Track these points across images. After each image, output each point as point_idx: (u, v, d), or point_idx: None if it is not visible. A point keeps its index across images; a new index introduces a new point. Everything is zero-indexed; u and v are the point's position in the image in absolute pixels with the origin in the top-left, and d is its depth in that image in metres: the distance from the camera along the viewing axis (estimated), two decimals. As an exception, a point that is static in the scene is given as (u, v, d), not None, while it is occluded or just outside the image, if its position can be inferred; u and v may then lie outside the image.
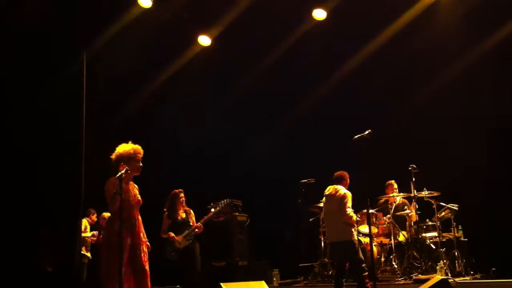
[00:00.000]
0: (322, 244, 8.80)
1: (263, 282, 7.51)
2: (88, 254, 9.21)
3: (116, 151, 5.57)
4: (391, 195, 8.70)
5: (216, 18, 9.61)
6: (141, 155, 5.60)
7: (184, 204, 7.75)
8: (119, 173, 5.31)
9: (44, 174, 7.89)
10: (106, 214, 9.32)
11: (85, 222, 9.13)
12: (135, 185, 5.69)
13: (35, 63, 8.12)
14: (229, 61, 10.50)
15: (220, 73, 10.85)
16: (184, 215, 7.68)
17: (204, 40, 9.95)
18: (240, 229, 9.51)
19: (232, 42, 10.08)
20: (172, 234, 7.48)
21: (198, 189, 8.45)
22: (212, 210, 8.37)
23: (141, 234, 5.53)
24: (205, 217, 7.88)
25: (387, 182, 8.92)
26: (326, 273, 8.55)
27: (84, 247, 9.08)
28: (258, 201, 10.00)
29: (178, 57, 10.29)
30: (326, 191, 7.34)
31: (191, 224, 7.64)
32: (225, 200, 8.26)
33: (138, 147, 5.62)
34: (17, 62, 8.03)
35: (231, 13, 9.35)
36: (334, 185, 7.26)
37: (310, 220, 9.24)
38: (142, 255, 5.43)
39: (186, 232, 7.54)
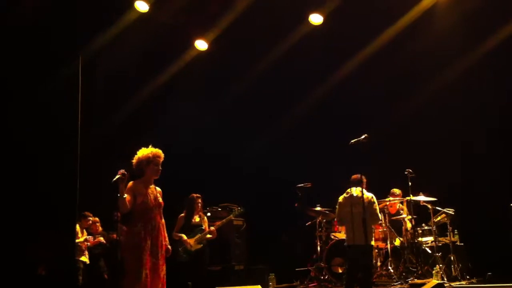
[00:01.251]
0: (318, 249, 8.80)
1: (259, 287, 7.56)
2: (84, 259, 9.13)
3: (136, 155, 5.72)
4: (397, 199, 8.68)
5: (213, 22, 9.61)
6: (160, 159, 5.73)
7: (200, 208, 8.11)
8: (116, 177, 5.38)
9: (39, 176, 7.85)
10: (95, 219, 9.34)
11: (76, 227, 9.05)
12: (158, 188, 5.81)
13: (27, 68, 8.09)
14: (226, 64, 10.49)
15: (217, 76, 10.83)
16: (198, 219, 8.01)
17: (201, 45, 9.93)
18: (237, 233, 9.51)
19: (228, 45, 10.07)
20: (185, 237, 7.77)
21: (195, 191, 8.45)
22: (209, 214, 8.54)
23: (162, 238, 5.63)
24: (218, 223, 8.19)
25: (392, 190, 8.89)
26: (322, 277, 8.54)
27: (77, 253, 8.99)
28: (255, 204, 9.97)
29: (174, 60, 10.27)
30: (350, 191, 7.24)
31: (203, 228, 7.96)
32: (239, 208, 8.48)
33: (157, 151, 5.75)
34: (10, 66, 8.00)
35: (228, 17, 9.35)
36: (358, 188, 7.19)
37: (307, 224, 9.24)
38: (160, 259, 5.54)
39: (199, 235, 7.85)
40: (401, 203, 8.75)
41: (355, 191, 7.17)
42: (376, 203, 7.13)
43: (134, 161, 5.73)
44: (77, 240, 8.92)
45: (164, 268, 5.59)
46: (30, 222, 7.68)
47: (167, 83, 10.38)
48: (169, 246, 5.75)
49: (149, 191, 5.68)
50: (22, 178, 7.68)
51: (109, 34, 9.06)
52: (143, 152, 5.73)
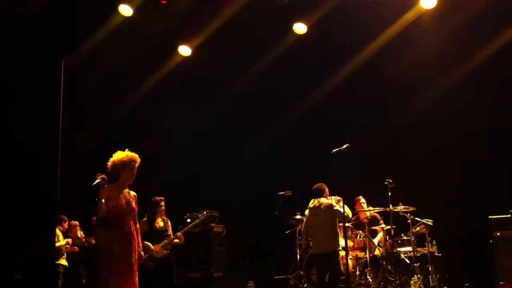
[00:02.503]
0: (298, 257, 8.81)
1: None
2: (64, 262, 9.06)
3: (111, 159, 5.66)
4: (366, 209, 8.76)
5: (198, 28, 9.60)
6: (136, 164, 5.67)
7: (163, 212, 7.72)
8: (96, 181, 5.34)
9: (18, 179, 7.76)
10: (75, 222, 9.25)
11: (56, 231, 8.99)
12: (132, 192, 5.73)
13: (8, 73, 8.01)
14: (216, 68, 10.48)
15: (208, 80, 10.82)
16: (162, 224, 7.64)
17: (185, 50, 9.91)
18: (217, 240, 9.46)
19: (214, 51, 10.07)
20: (151, 246, 7.37)
21: (176, 198, 8.43)
22: (189, 220, 8.33)
23: (135, 244, 5.55)
24: (184, 228, 7.85)
25: (356, 198, 9.01)
26: (301, 285, 8.55)
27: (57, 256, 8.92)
28: (235, 212, 9.97)
29: (159, 65, 10.25)
30: (310, 204, 7.44)
31: (169, 233, 7.61)
32: (205, 212, 8.26)
33: (133, 155, 5.68)
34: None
35: (213, 23, 9.36)
36: (316, 199, 7.33)
37: (287, 232, 9.25)
38: (133, 265, 5.48)
39: (165, 241, 7.50)
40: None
41: (312, 202, 7.37)
42: (340, 204, 7.21)
43: (109, 164, 5.67)
44: (57, 244, 8.85)
45: (137, 274, 5.52)
46: (8, 225, 7.59)
47: (157, 86, 10.35)
48: (142, 253, 5.69)
49: (122, 195, 5.60)
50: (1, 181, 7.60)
51: (93, 38, 9.03)
52: (118, 156, 5.66)
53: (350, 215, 7.45)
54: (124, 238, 5.46)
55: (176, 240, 7.57)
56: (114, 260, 5.31)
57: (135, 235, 5.60)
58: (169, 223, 7.75)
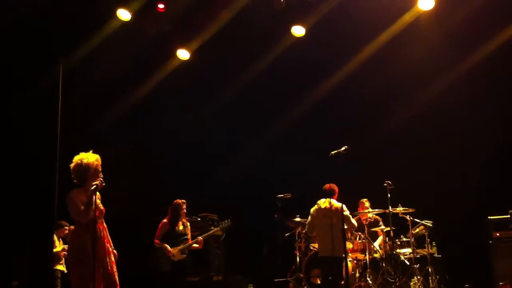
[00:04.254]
0: (297, 259, 8.80)
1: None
2: (61, 268, 9.05)
3: (78, 161, 5.33)
4: (366, 211, 8.76)
5: (196, 32, 9.62)
6: (100, 165, 5.41)
7: (184, 215, 7.86)
8: (94, 185, 5.25)
9: (16, 186, 7.78)
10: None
11: (53, 236, 8.98)
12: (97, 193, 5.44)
13: (9, 75, 8.03)
14: (213, 72, 10.50)
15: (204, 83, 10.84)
16: (182, 228, 7.75)
17: (183, 54, 9.92)
18: (216, 243, 9.45)
19: (212, 55, 10.08)
20: (169, 248, 7.52)
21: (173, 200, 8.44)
22: (213, 228, 8.38)
23: (108, 245, 5.38)
24: (205, 234, 7.97)
25: (360, 200, 9.00)
26: (301, 288, 8.55)
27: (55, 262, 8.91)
28: (233, 215, 9.97)
29: (157, 70, 10.26)
30: (321, 204, 7.33)
31: (187, 237, 7.72)
32: (227, 221, 8.31)
33: (98, 157, 5.43)
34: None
35: (211, 27, 9.37)
36: (327, 199, 7.25)
37: (286, 235, 9.24)
38: (110, 267, 5.30)
39: (183, 245, 7.62)
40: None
41: (324, 202, 7.28)
42: (347, 211, 7.19)
43: (74, 167, 5.35)
44: (54, 250, 8.85)
45: (116, 275, 5.32)
46: (6, 233, 7.61)
47: (155, 89, 10.36)
48: (115, 251, 5.46)
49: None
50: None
51: (92, 41, 9.05)
52: (88, 159, 5.35)
53: (356, 225, 7.43)
54: (97, 241, 5.21)
55: (196, 245, 7.71)
56: (90, 267, 5.05)
57: (106, 235, 5.39)
58: (189, 226, 7.87)
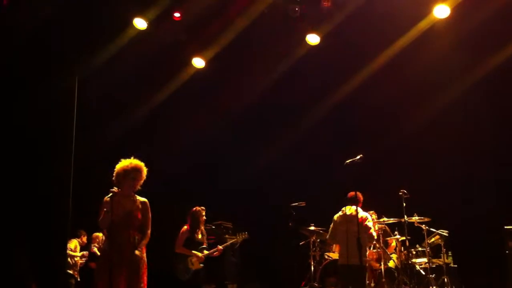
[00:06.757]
0: (312, 268, 8.76)
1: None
2: (75, 274, 9.10)
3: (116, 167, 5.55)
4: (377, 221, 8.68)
5: (212, 40, 9.66)
6: (139, 173, 5.49)
7: (203, 223, 7.92)
8: (111, 192, 5.31)
9: (31, 189, 7.84)
10: (99, 234, 9.25)
11: (75, 242, 9.06)
12: (142, 199, 5.56)
13: (24, 82, 8.11)
14: (228, 80, 10.53)
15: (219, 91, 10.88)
16: (200, 236, 7.81)
17: (198, 63, 9.97)
18: (231, 251, 9.46)
19: (227, 62, 10.12)
20: (200, 254, 7.62)
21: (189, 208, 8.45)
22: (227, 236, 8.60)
23: (130, 254, 5.28)
24: (225, 244, 8.16)
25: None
26: (315, 297, 8.50)
27: (72, 268, 8.97)
28: (247, 223, 9.96)
29: (172, 78, 10.31)
30: (347, 211, 7.27)
31: (205, 247, 7.78)
32: (244, 233, 8.40)
33: (137, 164, 5.53)
34: (9, 78, 8.03)
35: (226, 35, 9.41)
36: (353, 206, 7.19)
37: (301, 243, 9.21)
38: (136, 276, 5.26)
39: (205, 253, 7.70)
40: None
41: (350, 209, 7.21)
42: (371, 222, 7.15)
43: (114, 173, 5.56)
44: (74, 254, 8.92)
45: (140, 281, 5.25)
46: (16, 237, 7.68)
47: (171, 97, 10.41)
48: (144, 259, 5.38)
49: (120, 205, 5.36)
50: (15, 193, 7.68)
51: (108, 50, 9.12)
52: (122, 164, 5.53)
53: (375, 237, 7.35)
54: (119, 248, 5.22)
55: (216, 253, 7.80)
56: (107, 275, 5.05)
57: (132, 244, 5.32)
58: (206, 235, 7.93)
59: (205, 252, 7.68)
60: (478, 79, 9.27)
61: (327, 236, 7.81)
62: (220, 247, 7.86)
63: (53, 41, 8.40)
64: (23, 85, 8.11)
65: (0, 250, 7.48)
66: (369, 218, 7.14)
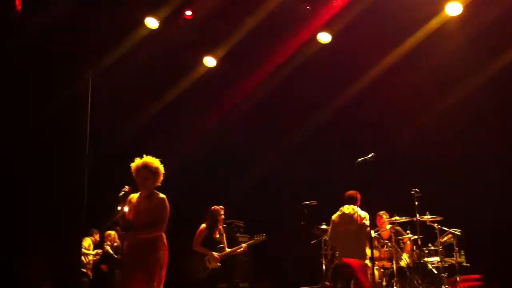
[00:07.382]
0: (324, 267, 8.75)
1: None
2: (89, 272, 9.17)
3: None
4: (387, 227, 8.67)
5: (223, 39, 9.67)
6: (148, 171, 5.34)
7: (222, 222, 7.91)
8: (122, 191, 5.34)
9: (44, 188, 7.90)
10: (112, 233, 9.31)
11: (89, 241, 9.14)
12: (161, 195, 5.37)
13: (37, 83, 8.17)
14: (238, 78, 10.55)
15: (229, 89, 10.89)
16: (218, 236, 7.80)
17: (209, 61, 9.98)
18: (243, 250, 9.47)
19: (237, 62, 10.13)
20: (216, 254, 7.61)
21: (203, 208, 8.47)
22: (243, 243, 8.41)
23: (139, 253, 5.18)
24: (249, 242, 8.16)
25: (377, 213, 8.92)
26: (327, 296, 8.49)
27: (85, 266, 9.05)
28: (259, 222, 9.97)
29: (183, 76, 10.33)
30: (345, 210, 7.29)
31: (223, 246, 7.77)
32: (262, 235, 8.34)
33: (144, 161, 5.40)
34: (21, 81, 8.08)
35: (237, 34, 9.41)
36: (350, 205, 7.22)
37: (312, 242, 9.20)
38: (145, 276, 5.16)
39: (226, 252, 7.71)
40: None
41: (347, 208, 7.25)
42: (369, 221, 7.14)
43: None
44: (88, 252, 9.00)
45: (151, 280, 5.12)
46: (28, 235, 7.75)
47: (181, 96, 10.43)
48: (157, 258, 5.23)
49: (133, 205, 5.31)
50: (30, 192, 7.75)
51: (119, 49, 9.16)
52: (133, 164, 5.41)
53: (371, 236, 7.34)
54: (128, 248, 5.21)
55: (240, 250, 7.84)
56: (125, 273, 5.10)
57: (143, 243, 5.20)
58: (224, 234, 7.92)
59: (227, 250, 7.69)
60: (491, 77, 9.18)
61: (327, 238, 7.85)
62: (245, 245, 7.90)
63: (65, 42, 8.45)
64: (36, 87, 8.18)
65: (15, 249, 7.54)
66: (367, 217, 7.14)
